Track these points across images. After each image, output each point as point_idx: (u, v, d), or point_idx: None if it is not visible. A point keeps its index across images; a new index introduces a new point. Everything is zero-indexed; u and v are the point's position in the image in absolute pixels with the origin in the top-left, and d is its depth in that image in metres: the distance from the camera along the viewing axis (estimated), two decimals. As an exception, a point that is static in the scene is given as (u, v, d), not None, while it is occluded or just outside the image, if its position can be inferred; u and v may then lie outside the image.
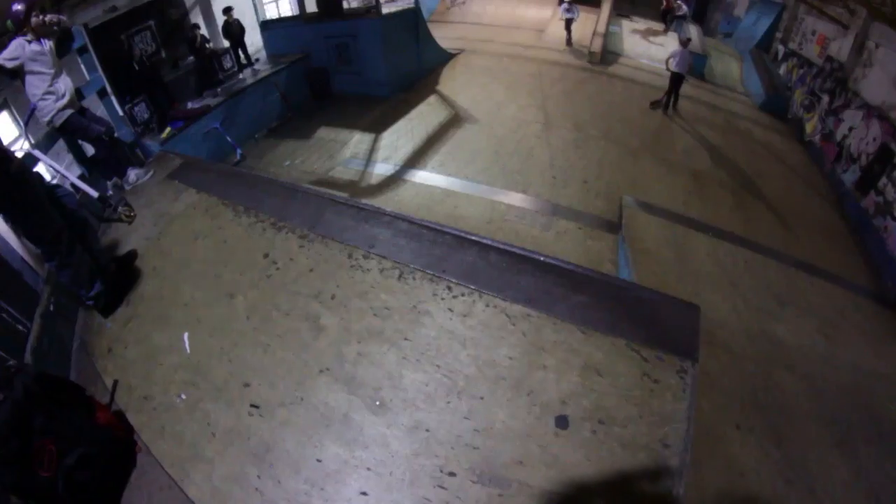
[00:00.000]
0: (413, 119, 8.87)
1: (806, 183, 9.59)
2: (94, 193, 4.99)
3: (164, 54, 11.01)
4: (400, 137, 8.24)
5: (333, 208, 3.39)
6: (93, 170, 5.56)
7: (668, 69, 10.45)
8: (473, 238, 2.92)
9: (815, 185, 9.61)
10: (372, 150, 7.96)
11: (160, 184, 5.05)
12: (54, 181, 4.92)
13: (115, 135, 5.48)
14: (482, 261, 2.83)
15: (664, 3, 17.81)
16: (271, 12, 12.90)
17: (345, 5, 10.54)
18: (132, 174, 5.42)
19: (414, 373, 2.49)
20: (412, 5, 10.17)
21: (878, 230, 7.94)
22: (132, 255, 4.18)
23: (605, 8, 16.14)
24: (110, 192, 5.50)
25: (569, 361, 2.55)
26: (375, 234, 3.03)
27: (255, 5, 10.70)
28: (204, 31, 11.20)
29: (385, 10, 9.59)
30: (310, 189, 3.76)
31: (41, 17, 4.42)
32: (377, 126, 8.64)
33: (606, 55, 13.51)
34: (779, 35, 15.20)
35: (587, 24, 15.39)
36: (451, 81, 10.69)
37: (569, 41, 14.35)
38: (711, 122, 10.78)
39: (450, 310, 2.65)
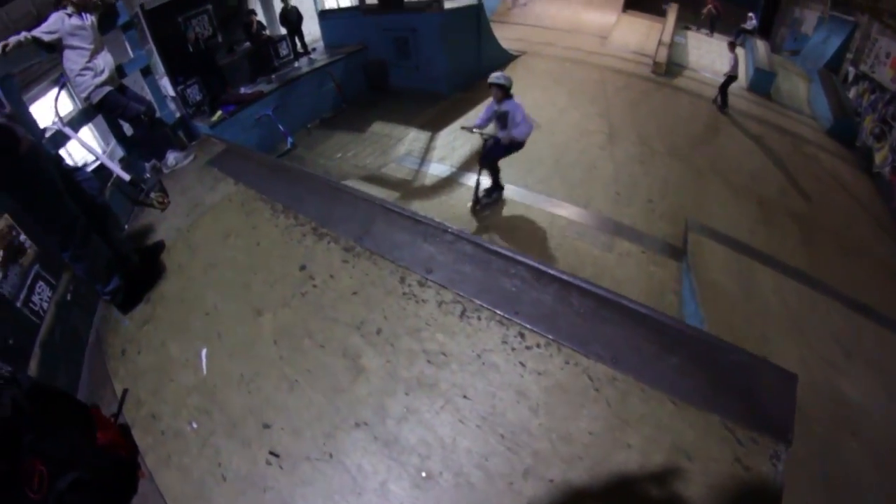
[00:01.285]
0: (472, 119, 8.38)
1: (873, 219, 8.76)
2: (126, 176, 4.69)
3: (220, 38, 10.95)
4: (457, 138, 7.77)
5: (385, 217, 2.89)
6: (132, 150, 5.30)
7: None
8: (553, 273, 2.38)
9: (881, 223, 8.75)
10: (427, 148, 7.54)
11: (199, 170, 4.72)
12: (88, 165, 4.66)
13: (157, 115, 5.21)
14: (562, 303, 2.30)
15: (707, 6, 16.90)
16: (330, 2, 12.70)
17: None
18: (171, 157, 5.14)
19: (472, 441, 1.99)
20: (475, 2, 9.71)
21: (951, 281, 7.04)
22: (159, 246, 3.85)
23: (671, 17, 15.46)
24: (147, 175, 5.22)
25: (656, 440, 2.04)
26: (434, 256, 2.51)
27: (313, -6, 10.47)
28: (261, 16, 11.09)
29: (447, 5, 9.16)
30: (358, 192, 3.26)
31: None
32: (434, 124, 8.22)
33: (672, 66, 12.83)
34: (849, 56, 14.03)
35: (652, 34, 14.75)
36: (513, 83, 10.10)
37: (478, 203, 6.00)
38: (779, 146, 10.09)
39: (521, 364, 2.13)
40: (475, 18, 9.75)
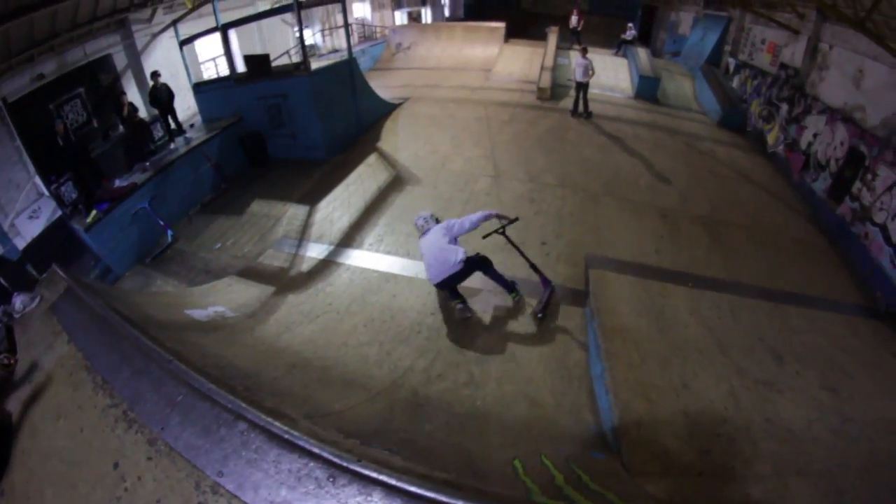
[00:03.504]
0: (351, 184, 8.28)
1: (777, 199, 9.16)
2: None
3: (95, 124, 10.47)
4: (336, 209, 7.66)
5: (186, 400, 2.71)
6: (-25, 300, 5.00)
7: (573, 79, 11.26)
8: (354, 468, 2.21)
9: (786, 200, 9.20)
10: (305, 226, 7.37)
11: (41, 318, 4.43)
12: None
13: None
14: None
15: (572, 21, 17.28)
16: (211, 72, 12.32)
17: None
18: (18, 301, 4.82)
19: None
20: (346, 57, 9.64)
21: (859, 238, 7.62)
22: (4, 423, 3.64)
23: (552, 40, 15.90)
24: (-1, 324, 4.93)
25: None
26: (227, 454, 2.42)
27: (186, 67, 10.13)
28: (136, 97, 10.66)
29: (317, 64, 9.09)
30: (162, 357, 3.04)
31: None
32: (312, 196, 8.07)
33: (556, 89, 13.09)
34: (727, 48, 15.13)
35: (535, 60, 15.04)
36: (393, 136, 10.08)
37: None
38: (672, 149, 10.39)
39: None
40: (348, 74, 9.69)
